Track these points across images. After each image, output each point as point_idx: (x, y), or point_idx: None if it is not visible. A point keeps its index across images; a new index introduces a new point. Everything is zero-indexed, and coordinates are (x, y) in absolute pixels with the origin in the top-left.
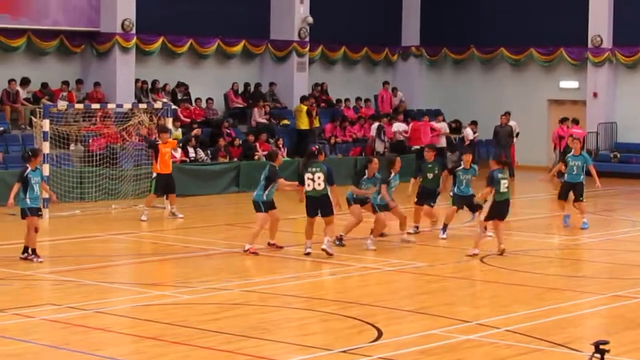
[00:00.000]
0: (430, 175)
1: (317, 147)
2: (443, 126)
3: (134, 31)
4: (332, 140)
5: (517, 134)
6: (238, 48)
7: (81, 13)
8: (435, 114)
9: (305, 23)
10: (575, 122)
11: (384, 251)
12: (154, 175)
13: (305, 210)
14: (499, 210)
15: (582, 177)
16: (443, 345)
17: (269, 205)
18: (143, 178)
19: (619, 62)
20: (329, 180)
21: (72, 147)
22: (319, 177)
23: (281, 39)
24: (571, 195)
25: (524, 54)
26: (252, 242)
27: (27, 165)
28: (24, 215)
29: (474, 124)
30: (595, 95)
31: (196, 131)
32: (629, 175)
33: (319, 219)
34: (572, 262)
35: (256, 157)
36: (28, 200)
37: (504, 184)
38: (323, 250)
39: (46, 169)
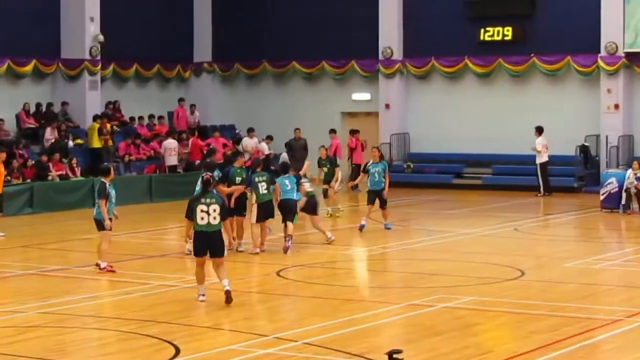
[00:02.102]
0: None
1: (210, 175)
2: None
3: None
4: (127, 158)
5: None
6: (29, 68)
7: None
8: (228, 130)
9: (96, 41)
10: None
11: (182, 269)
12: None
13: (193, 248)
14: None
15: (383, 183)
16: None
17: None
18: None
19: (410, 74)
20: (223, 215)
21: None
22: (214, 210)
23: (72, 58)
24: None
25: (316, 67)
26: (105, 259)
27: None
28: None
29: (269, 138)
30: (387, 106)
31: None
32: (423, 185)
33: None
34: (369, 273)
35: (50, 177)
36: None
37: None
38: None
39: None
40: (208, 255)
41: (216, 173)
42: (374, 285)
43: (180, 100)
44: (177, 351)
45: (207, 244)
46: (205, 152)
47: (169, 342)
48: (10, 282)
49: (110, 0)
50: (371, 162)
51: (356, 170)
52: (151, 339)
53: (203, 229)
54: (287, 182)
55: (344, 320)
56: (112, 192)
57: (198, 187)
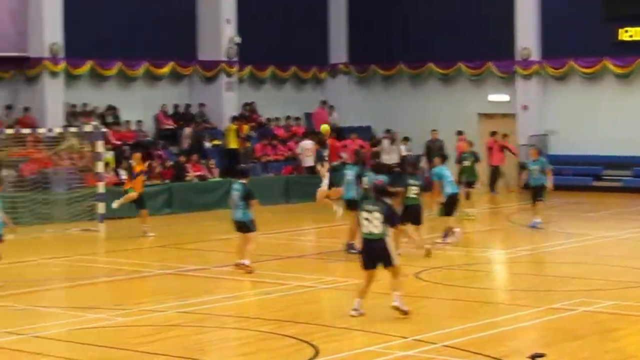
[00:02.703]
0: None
1: (381, 180)
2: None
3: (62, 55)
4: (264, 159)
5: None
6: (166, 69)
7: (8, 39)
8: (365, 131)
9: (233, 43)
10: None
11: (319, 269)
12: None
13: (361, 260)
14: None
15: (543, 179)
16: None
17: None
18: (75, 202)
19: (547, 75)
20: (389, 222)
21: (3, 172)
22: (376, 218)
23: (209, 60)
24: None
25: (452, 68)
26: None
27: None
28: None
29: (406, 140)
30: (525, 107)
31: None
32: (561, 187)
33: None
34: (508, 275)
35: (188, 178)
36: None
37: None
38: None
39: None
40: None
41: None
42: (513, 288)
43: (323, 102)
44: (317, 352)
45: (373, 255)
46: (371, 153)
47: (308, 342)
48: (149, 282)
49: (247, 3)
50: (531, 159)
51: (494, 172)
52: (290, 339)
53: (366, 236)
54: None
55: (483, 323)
56: None
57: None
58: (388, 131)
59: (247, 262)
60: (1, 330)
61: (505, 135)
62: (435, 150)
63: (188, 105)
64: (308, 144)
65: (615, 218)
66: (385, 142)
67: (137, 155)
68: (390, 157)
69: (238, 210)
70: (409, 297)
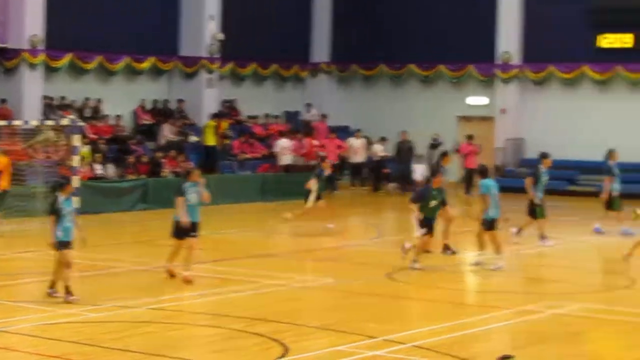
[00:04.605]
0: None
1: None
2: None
3: (42, 47)
4: (241, 157)
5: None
6: (147, 64)
7: None
8: (343, 131)
9: (215, 39)
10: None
11: (292, 268)
12: None
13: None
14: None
15: None
16: None
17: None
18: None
19: (527, 79)
20: None
21: None
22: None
23: (190, 55)
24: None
25: (432, 70)
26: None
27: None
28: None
29: (383, 140)
30: (503, 111)
31: None
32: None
33: None
34: (480, 278)
35: (164, 174)
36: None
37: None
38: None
39: None
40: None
41: None
42: (484, 290)
43: (308, 105)
44: (286, 350)
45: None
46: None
47: (278, 341)
48: (121, 277)
49: (231, 0)
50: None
51: (468, 175)
52: (260, 337)
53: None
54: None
55: (454, 324)
56: None
57: None
58: (358, 131)
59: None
60: None
61: (470, 137)
62: (404, 151)
63: (167, 101)
64: (286, 142)
65: (589, 223)
66: (355, 142)
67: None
68: (358, 157)
69: (196, 211)
70: (382, 297)
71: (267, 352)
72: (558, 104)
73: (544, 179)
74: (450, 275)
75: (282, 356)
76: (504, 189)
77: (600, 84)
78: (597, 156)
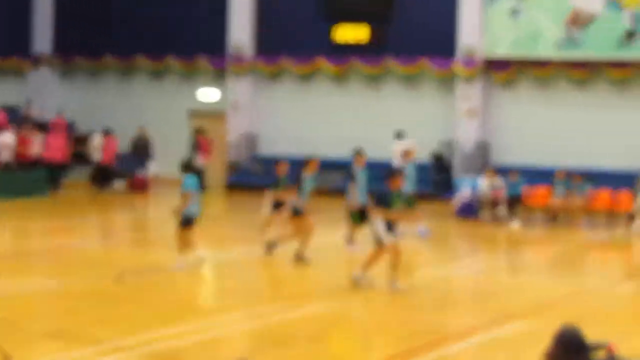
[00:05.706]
0: None
1: None
2: None
3: None
4: None
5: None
6: None
7: None
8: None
9: None
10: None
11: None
12: None
13: None
14: None
15: None
16: None
17: None
18: None
19: (260, 73)
20: None
21: None
22: None
23: None
24: None
25: (161, 62)
26: None
27: None
28: None
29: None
30: (235, 105)
31: None
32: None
33: None
34: (215, 279)
35: None
36: None
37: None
38: None
39: None
40: None
41: None
42: (221, 291)
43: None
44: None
45: None
46: None
47: None
48: None
49: None
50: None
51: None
52: None
53: None
54: None
55: (190, 327)
56: None
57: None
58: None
59: None
60: None
61: (200, 132)
62: (141, 148)
63: None
64: (8, 136)
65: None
66: (97, 138)
67: None
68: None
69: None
70: (110, 301)
71: None
72: (293, 99)
73: (310, 184)
74: (185, 277)
75: None
76: (237, 186)
77: (336, 78)
78: (341, 153)
